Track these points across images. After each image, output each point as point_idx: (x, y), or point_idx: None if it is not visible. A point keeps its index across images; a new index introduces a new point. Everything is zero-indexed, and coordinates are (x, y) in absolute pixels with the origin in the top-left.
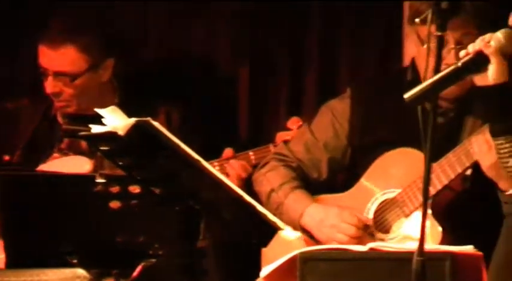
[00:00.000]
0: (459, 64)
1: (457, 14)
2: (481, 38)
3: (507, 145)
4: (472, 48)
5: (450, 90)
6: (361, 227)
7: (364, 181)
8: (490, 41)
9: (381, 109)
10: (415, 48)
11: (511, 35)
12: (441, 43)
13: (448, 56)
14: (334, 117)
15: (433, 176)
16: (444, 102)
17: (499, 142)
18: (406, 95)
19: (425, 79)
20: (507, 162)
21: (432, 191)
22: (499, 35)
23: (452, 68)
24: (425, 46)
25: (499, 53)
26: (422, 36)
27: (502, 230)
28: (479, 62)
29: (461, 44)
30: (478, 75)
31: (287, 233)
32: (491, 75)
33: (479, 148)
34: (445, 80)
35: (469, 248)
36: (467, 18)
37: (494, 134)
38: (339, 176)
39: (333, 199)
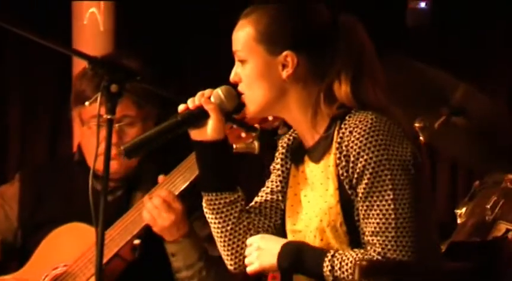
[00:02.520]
0: (179, 118)
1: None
2: (200, 93)
3: (221, 200)
4: (191, 103)
5: (115, 170)
6: None
7: (35, 259)
8: (210, 97)
9: (51, 189)
10: (79, 129)
11: (230, 92)
12: (111, 126)
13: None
14: (3, 201)
15: None
16: (112, 182)
17: (210, 197)
18: (124, 146)
19: (92, 159)
20: (210, 218)
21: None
22: (219, 91)
23: (171, 121)
24: (85, 127)
25: (219, 109)
26: (84, 118)
27: None
28: (199, 117)
29: (120, 123)
30: (196, 129)
31: None
32: (209, 131)
33: (148, 217)
34: (163, 133)
35: None
36: (127, 98)
37: (206, 189)
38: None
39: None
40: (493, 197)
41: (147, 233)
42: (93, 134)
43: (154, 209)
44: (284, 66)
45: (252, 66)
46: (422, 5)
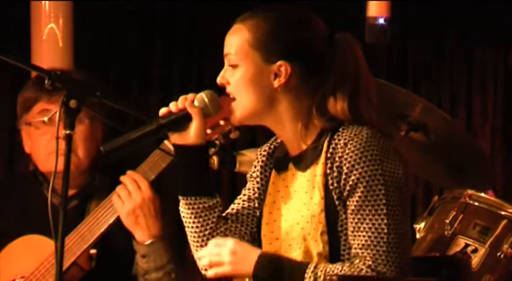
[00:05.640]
0: (161, 121)
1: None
2: (183, 96)
3: (200, 205)
4: (174, 106)
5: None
6: None
7: None
8: (194, 101)
9: (4, 202)
10: (29, 142)
11: (214, 96)
12: (70, 141)
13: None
14: None
15: None
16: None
17: (189, 201)
18: (103, 146)
19: (43, 160)
20: (187, 222)
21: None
22: (204, 95)
23: (153, 124)
24: (32, 128)
25: (202, 113)
26: (30, 120)
27: None
28: (181, 120)
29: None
30: (177, 133)
31: None
32: (191, 135)
33: (116, 199)
34: (144, 135)
35: None
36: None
37: (185, 193)
38: None
39: None
40: (452, 212)
41: (104, 243)
42: (41, 134)
43: (123, 190)
44: (276, 75)
45: (244, 72)
46: (381, 21)
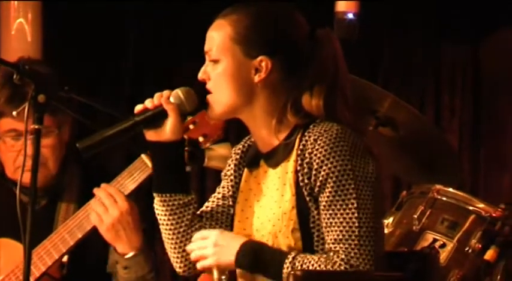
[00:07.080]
0: (136, 118)
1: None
2: (158, 93)
3: (175, 202)
4: (149, 103)
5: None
6: None
7: None
8: (170, 97)
9: None
10: None
11: (189, 93)
12: (39, 137)
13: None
14: None
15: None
16: None
17: (164, 198)
18: (80, 143)
19: (12, 172)
20: (162, 219)
21: (31, 279)
22: (179, 92)
23: (128, 121)
24: (0, 141)
25: (178, 110)
26: None
27: None
28: (157, 117)
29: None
30: (152, 130)
31: None
32: (167, 131)
33: (95, 213)
34: (120, 133)
35: None
36: None
37: (160, 190)
38: None
39: None
40: (420, 207)
41: (76, 249)
42: (9, 148)
43: (99, 205)
44: (257, 70)
45: (225, 66)
46: (350, 16)
